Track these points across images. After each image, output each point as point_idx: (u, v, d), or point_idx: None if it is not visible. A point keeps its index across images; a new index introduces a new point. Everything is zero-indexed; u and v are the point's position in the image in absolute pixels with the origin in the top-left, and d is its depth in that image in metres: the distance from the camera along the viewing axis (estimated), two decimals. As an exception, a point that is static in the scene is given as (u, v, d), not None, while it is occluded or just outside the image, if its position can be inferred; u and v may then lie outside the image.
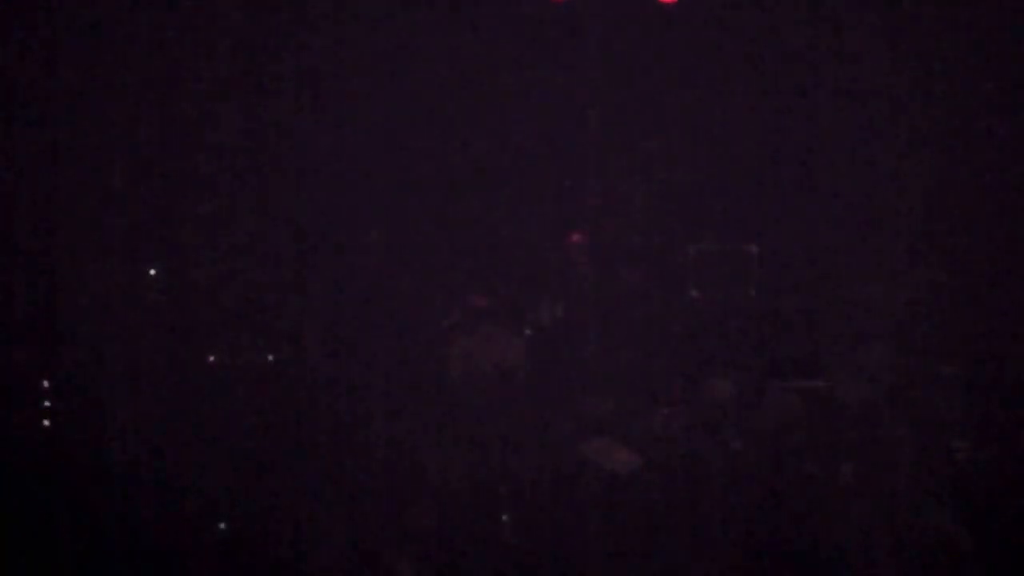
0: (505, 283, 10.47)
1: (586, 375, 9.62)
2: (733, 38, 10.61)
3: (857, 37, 10.53)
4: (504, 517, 6.76)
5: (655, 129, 10.86)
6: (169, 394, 9.00)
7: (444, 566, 5.97)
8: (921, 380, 8.86)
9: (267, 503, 6.88)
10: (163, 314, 9.24)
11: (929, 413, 8.75)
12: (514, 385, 9.80)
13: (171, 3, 9.96)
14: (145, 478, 7.48)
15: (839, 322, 9.03)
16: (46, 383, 9.07)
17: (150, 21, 9.89)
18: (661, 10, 10.09)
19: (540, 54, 10.75)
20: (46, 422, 9.04)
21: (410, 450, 8.39)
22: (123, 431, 8.49)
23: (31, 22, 9.22)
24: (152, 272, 9.32)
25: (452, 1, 10.43)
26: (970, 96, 10.16)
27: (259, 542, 5.82)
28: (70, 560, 5.56)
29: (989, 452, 7.85)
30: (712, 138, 10.82)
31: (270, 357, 9.49)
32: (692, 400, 9.92)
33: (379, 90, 10.74)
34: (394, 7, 10.46)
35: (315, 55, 10.55)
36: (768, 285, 10.29)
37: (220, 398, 9.11)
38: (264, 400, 9.16)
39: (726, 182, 10.87)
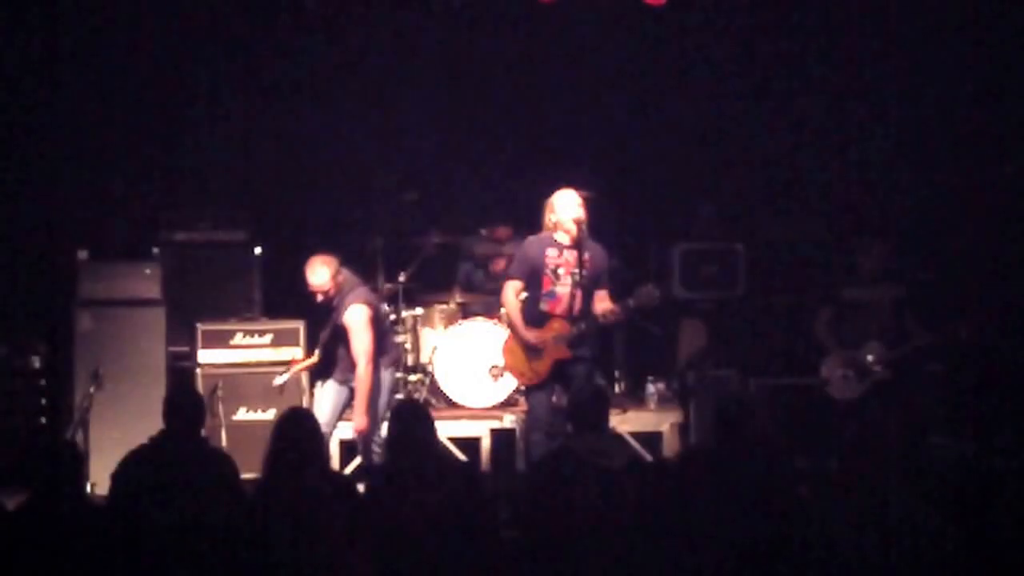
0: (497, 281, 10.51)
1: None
2: (722, 38, 10.68)
3: (847, 36, 10.60)
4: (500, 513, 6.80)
5: (646, 128, 10.93)
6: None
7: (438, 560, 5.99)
8: (910, 378, 8.93)
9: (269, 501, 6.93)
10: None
11: (918, 410, 8.83)
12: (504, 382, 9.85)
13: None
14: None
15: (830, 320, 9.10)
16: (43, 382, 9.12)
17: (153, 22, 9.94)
18: (649, 11, 10.13)
19: (530, 53, 10.81)
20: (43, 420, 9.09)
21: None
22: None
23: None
24: (148, 271, 9.33)
25: (442, 2, 10.47)
26: (962, 95, 10.23)
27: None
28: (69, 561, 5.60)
29: (978, 449, 7.94)
30: (702, 137, 10.89)
31: (263, 356, 9.52)
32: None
33: (373, 92, 10.79)
34: (385, 9, 10.50)
35: (310, 55, 10.61)
36: (756, 283, 10.38)
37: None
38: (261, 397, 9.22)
39: (715, 180, 10.95)
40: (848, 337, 8.97)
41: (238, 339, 9.42)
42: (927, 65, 10.40)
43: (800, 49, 10.69)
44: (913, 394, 8.93)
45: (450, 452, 9.00)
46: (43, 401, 9.03)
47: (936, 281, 9.80)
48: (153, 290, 9.27)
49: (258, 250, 10.27)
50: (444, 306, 10.38)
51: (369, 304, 8.32)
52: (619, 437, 8.79)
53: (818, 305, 9.30)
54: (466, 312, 10.35)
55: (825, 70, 10.73)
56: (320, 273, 8.24)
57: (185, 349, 9.48)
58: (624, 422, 9.50)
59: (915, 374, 9.06)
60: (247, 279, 10.21)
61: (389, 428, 6.62)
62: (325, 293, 8.29)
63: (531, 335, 8.15)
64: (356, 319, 8.21)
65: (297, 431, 6.21)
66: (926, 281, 9.59)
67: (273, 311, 9.86)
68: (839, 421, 8.75)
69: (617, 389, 10.43)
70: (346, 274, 8.39)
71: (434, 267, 10.54)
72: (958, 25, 10.19)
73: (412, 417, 6.45)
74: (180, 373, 9.37)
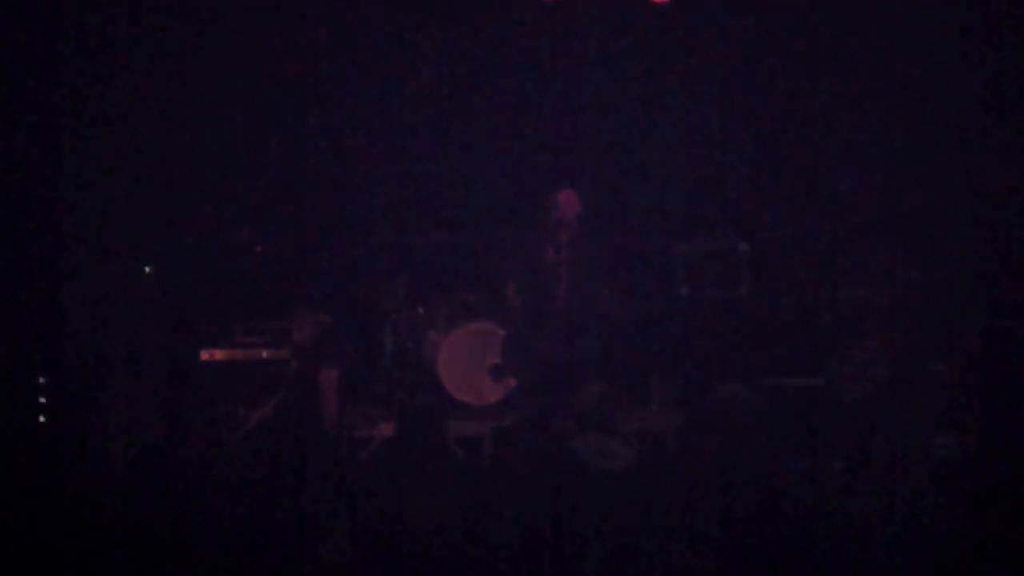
0: (496, 280, 10.51)
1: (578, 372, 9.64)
2: (725, 38, 10.68)
3: (851, 37, 10.60)
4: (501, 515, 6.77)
5: (648, 128, 10.92)
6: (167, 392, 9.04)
7: (440, 564, 5.98)
8: (913, 378, 8.92)
9: (270, 501, 6.93)
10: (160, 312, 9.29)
11: (922, 410, 8.82)
12: (504, 381, 9.84)
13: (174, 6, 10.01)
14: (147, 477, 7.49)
15: (831, 320, 9.10)
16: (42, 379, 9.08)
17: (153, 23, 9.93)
18: (654, 9, 10.14)
19: (533, 54, 10.81)
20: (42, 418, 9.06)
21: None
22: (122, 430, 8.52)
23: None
24: (147, 270, 9.33)
25: (446, 1, 10.49)
26: (963, 97, 10.22)
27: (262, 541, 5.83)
28: (69, 560, 5.59)
29: (981, 449, 7.92)
30: (704, 137, 10.89)
31: (264, 354, 9.52)
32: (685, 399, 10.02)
33: (374, 92, 10.78)
34: (388, 8, 10.51)
35: (313, 56, 10.61)
36: (759, 283, 10.37)
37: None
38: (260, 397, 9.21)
39: (717, 180, 10.94)
40: (849, 337, 8.97)
41: (238, 338, 9.42)
42: (928, 64, 10.39)
43: (803, 48, 10.69)
44: (917, 394, 8.92)
45: (452, 451, 8.98)
46: (43, 401, 9.01)
47: (935, 281, 9.80)
48: (153, 289, 9.26)
49: (258, 250, 10.27)
50: (445, 305, 10.37)
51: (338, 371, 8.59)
52: (623, 437, 8.76)
53: (819, 305, 9.30)
54: (468, 311, 10.34)
55: (828, 69, 10.72)
56: (304, 333, 8.67)
57: (186, 348, 9.47)
58: (627, 422, 9.47)
59: (919, 374, 9.05)
60: (247, 279, 10.21)
61: (395, 427, 6.61)
62: (303, 349, 8.66)
63: (531, 334, 8.14)
64: (326, 385, 8.58)
65: (298, 429, 6.20)
66: (925, 281, 9.59)
67: (273, 311, 9.85)
68: (843, 422, 8.75)
69: (620, 389, 10.40)
70: (328, 331, 8.57)
71: (436, 266, 10.55)
72: (959, 24, 10.17)
73: (418, 417, 6.43)
74: (185, 372, 9.37)
